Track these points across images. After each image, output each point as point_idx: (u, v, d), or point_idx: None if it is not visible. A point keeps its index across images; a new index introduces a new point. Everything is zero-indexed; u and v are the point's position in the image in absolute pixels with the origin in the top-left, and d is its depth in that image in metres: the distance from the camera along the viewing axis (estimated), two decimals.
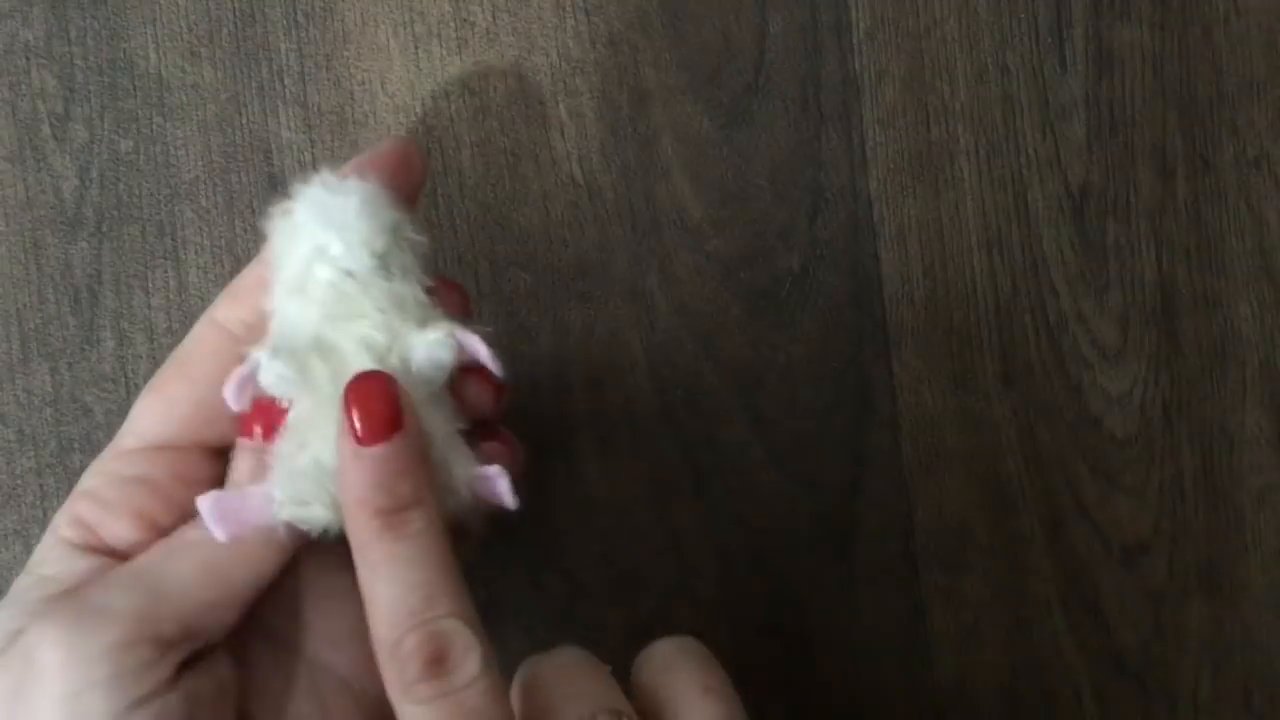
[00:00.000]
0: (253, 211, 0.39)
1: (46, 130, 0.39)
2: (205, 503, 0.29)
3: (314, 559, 0.31)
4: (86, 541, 0.30)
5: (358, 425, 0.28)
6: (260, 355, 0.29)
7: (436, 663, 0.27)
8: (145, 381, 0.38)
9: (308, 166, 0.39)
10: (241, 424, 0.30)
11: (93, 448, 0.38)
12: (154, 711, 0.28)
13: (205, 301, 0.38)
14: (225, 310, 0.31)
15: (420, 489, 0.28)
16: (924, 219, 0.39)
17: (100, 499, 0.30)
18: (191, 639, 0.29)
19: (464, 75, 0.39)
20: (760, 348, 0.39)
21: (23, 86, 0.39)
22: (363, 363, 0.29)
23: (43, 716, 0.27)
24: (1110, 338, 0.39)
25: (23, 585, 0.30)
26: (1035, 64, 0.39)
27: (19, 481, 0.38)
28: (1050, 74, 0.39)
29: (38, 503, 0.38)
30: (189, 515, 0.30)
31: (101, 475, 0.31)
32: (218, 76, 0.39)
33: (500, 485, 0.30)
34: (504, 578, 0.39)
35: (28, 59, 0.39)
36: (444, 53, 0.39)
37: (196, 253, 0.39)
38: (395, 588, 0.28)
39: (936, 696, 0.39)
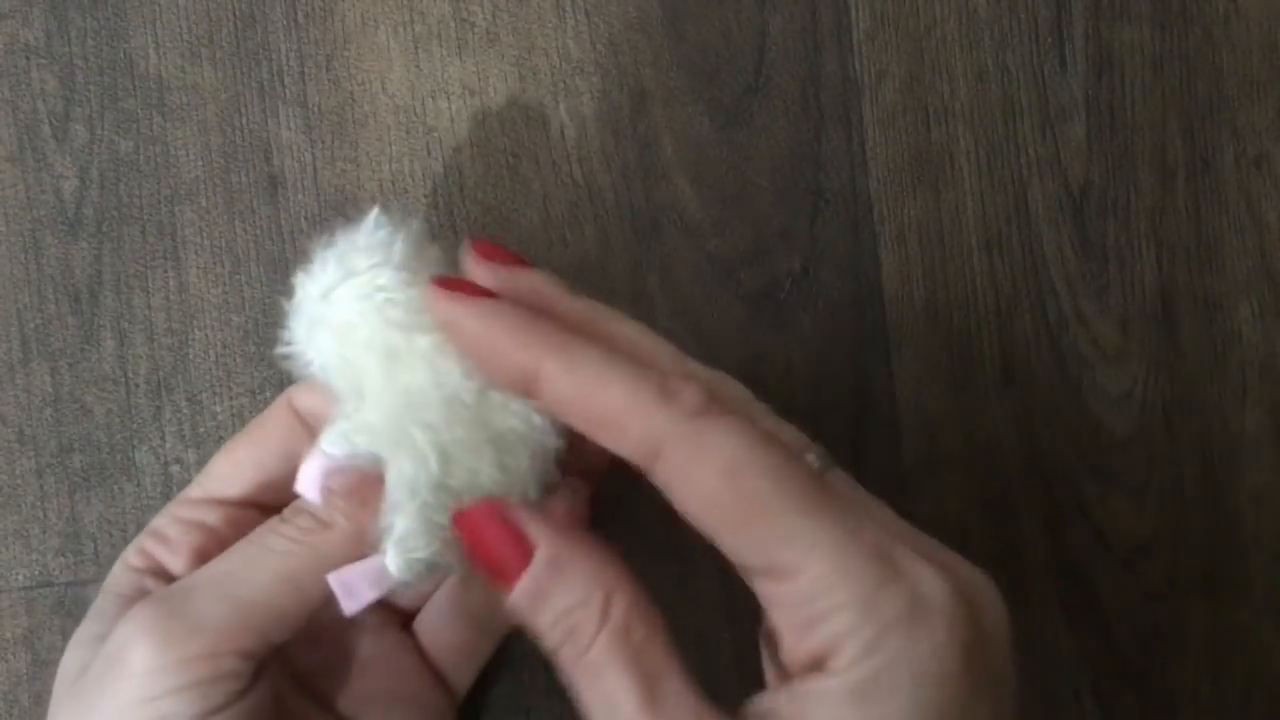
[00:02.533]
0: (253, 211, 0.39)
1: (46, 130, 0.39)
2: (335, 579, 0.30)
3: (361, 622, 0.33)
4: (150, 568, 0.33)
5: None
6: (324, 445, 0.30)
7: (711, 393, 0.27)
8: (145, 381, 0.38)
9: (308, 166, 0.39)
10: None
11: (93, 448, 0.38)
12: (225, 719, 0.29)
13: (205, 301, 0.38)
14: (302, 399, 0.33)
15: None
16: (924, 219, 0.39)
17: (164, 537, 0.33)
18: (266, 649, 0.30)
19: (464, 75, 0.39)
20: (760, 348, 0.39)
21: (23, 86, 0.39)
22: (442, 403, 0.29)
23: (120, 715, 0.29)
24: (1110, 338, 0.39)
25: (101, 605, 0.32)
26: (1035, 64, 0.39)
27: (19, 481, 0.38)
28: (1050, 74, 0.39)
29: (38, 503, 0.38)
30: None
31: (167, 517, 0.33)
32: (218, 76, 0.39)
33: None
34: None
35: (28, 59, 0.39)
36: (444, 53, 0.39)
37: (196, 253, 0.39)
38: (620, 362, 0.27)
39: None
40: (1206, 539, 0.39)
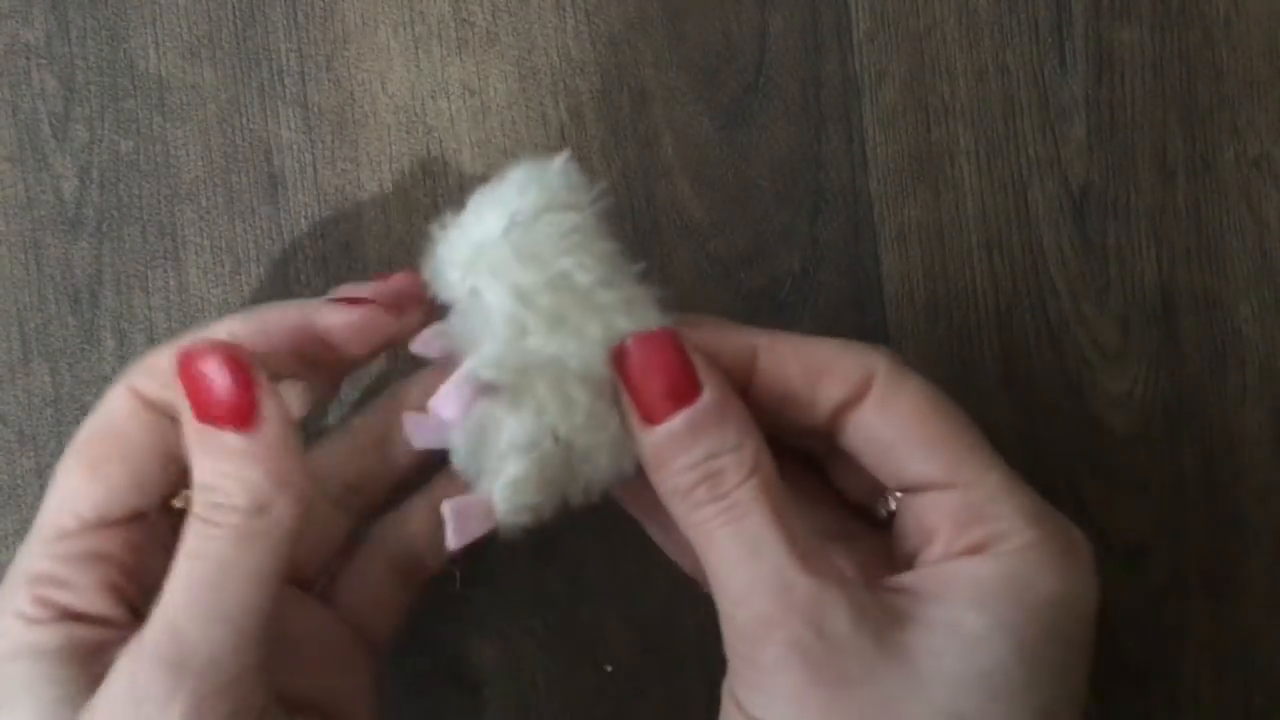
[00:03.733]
0: (253, 211, 0.39)
1: (46, 130, 0.39)
2: (450, 509, 0.29)
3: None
4: (57, 616, 0.29)
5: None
6: (471, 365, 0.29)
7: None
8: None
9: (308, 166, 0.39)
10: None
11: None
12: None
13: (205, 301, 0.38)
14: (145, 383, 0.31)
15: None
16: (924, 219, 0.39)
17: (63, 581, 0.30)
18: (264, 657, 0.29)
19: (464, 75, 0.39)
20: None
21: (23, 86, 0.39)
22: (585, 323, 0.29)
23: None
24: (1110, 338, 0.39)
25: (20, 672, 0.29)
26: (1035, 64, 0.39)
27: (19, 481, 0.38)
28: (1050, 74, 0.39)
29: (37, 503, 0.38)
30: (152, 580, 0.30)
31: (52, 559, 0.30)
32: (218, 76, 0.39)
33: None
34: (505, 577, 0.39)
35: (28, 59, 0.39)
36: (444, 53, 0.39)
37: (196, 253, 0.39)
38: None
39: None
40: (1207, 538, 0.39)
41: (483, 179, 0.39)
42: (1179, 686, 0.39)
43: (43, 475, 0.38)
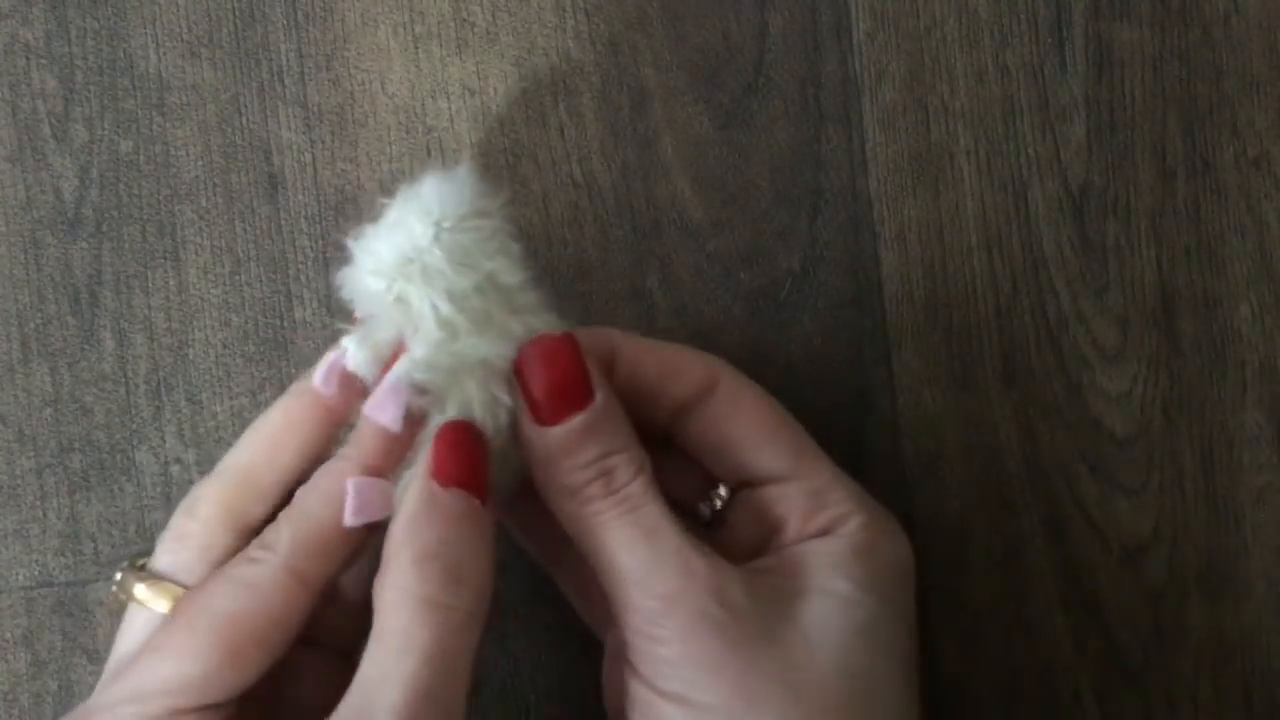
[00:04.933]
0: (253, 211, 0.39)
1: (46, 130, 0.39)
2: (352, 485, 0.30)
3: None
4: None
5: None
6: (404, 368, 0.30)
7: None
8: (145, 381, 0.38)
9: (308, 166, 0.39)
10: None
11: (93, 448, 0.38)
12: None
13: (205, 301, 0.38)
14: (312, 566, 0.30)
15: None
16: (924, 219, 0.39)
17: None
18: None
19: (464, 75, 0.39)
20: (760, 348, 0.39)
21: (23, 86, 0.39)
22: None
23: None
24: (1110, 338, 0.39)
25: None
26: (1035, 64, 0.39)
27: (19, 481, 0.38)
28: (1050, 74, 0.39)
29: (38, 503, 0.38)
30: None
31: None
32: (218, 76, 0.39)
33: None
34: (505, 577, 0.39)
35: (28, 59, 0.39)
36: (444, 53, 0.39)
37: (196, 253, 0.39)
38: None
39: (936, 696, 0.39)
40: (1206, 538, 0.39)
41: (481, 179, 0.39)
42: (1179, 686, 0.39)
43: (42, 475, 0.38)
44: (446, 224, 0.31)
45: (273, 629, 0.29)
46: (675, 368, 0.34)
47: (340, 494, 0.30)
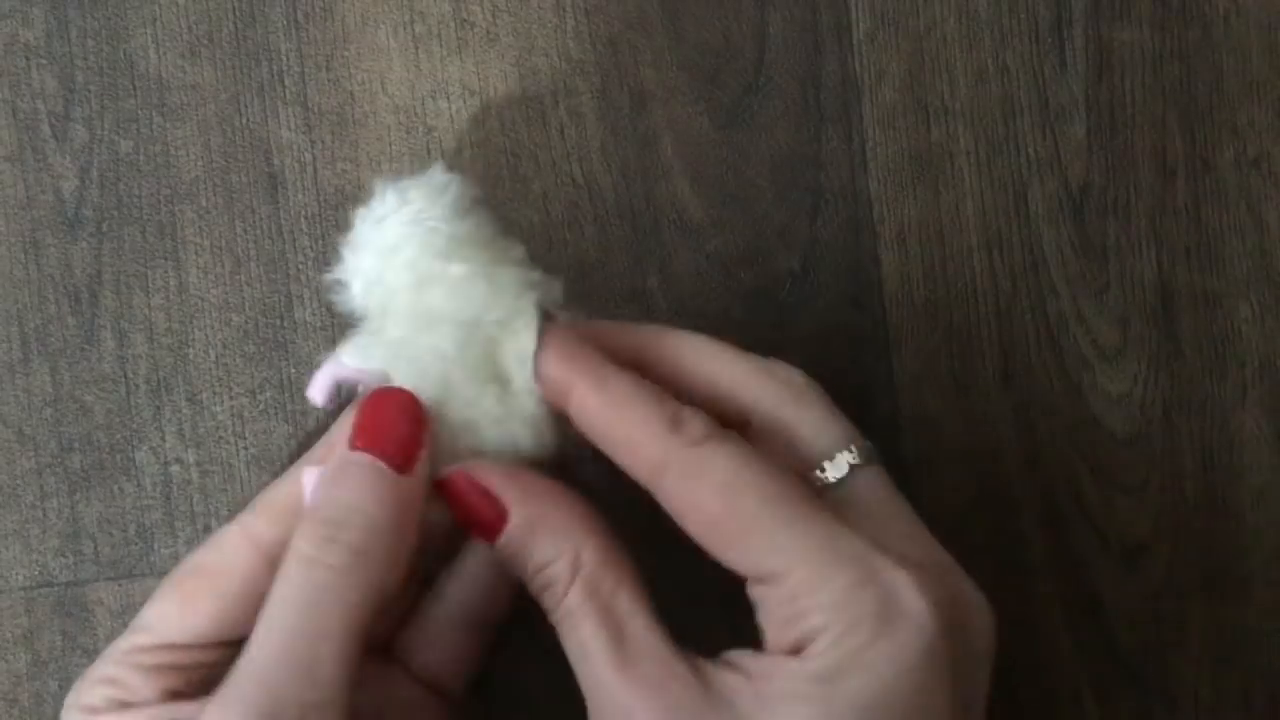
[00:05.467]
0: (253, 211, 0.39)
1: (46, 130, 0.39)
2: (309, 475, 0.31)
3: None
4: (114, 708, 0.31)
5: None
6: (340, 354, 0.32)
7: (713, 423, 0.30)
8: (145, 381, 0.38)
9: (308, 166, 0.39)
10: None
11: (93, 447, 0.38)
12: None
13: (205, 301, 0.38)
14: (262, 526, 0.31)
15: None
16: (924, 219, 0.39)
17: (124, 684, 0.31)
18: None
19: (464, 75, 0.39)
20: (760, 348, 0.39)
21: (23, 86, 0.39)
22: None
23: None
24: (1110, 338, 0.39)
25: None
26: (1035, 64, 0.39)
27: (19, 481, 0.38)
28: (1050, 74, 0.39)
29: (38, 503, 0.38)
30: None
31: (117, 665, 0.31)
32: (218, 76, 0.39)
33: None
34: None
35: (28, 59, 0.39)
36: (444, 53, 0.39)
37: (196, 253, 0.39)
38: (640, 385, 0.31)
39: None
40: (1206, 538, 0.39)
41: (483, 179, 0.39)
42: (1179, 686, 0.39)
43: (42, 475, 0.38)
44: (434, 221, 0.31)
45: (221, 577, 0.31)
46: (622, 442, 0.31)
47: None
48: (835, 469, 0.31)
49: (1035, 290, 0.39)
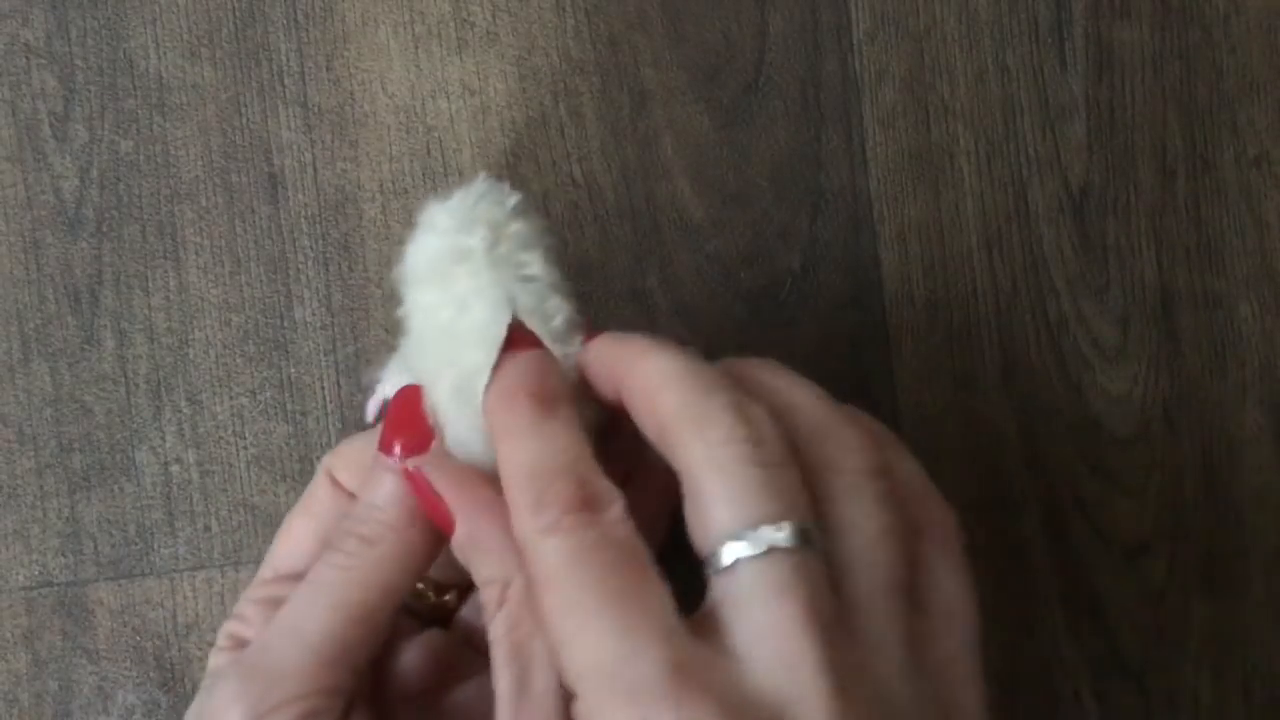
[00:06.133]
0: (252, 211, 0.39)
1: (46, 130, 0.39)
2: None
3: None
4: (235, 647, 0.33)
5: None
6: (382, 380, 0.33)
7: (585, 503, 0.27)
8: (145, 381, 0.38)
9: (308, 166, 0.39)
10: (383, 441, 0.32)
11: (93, 447, 0.38)
12: None
13: (205, 301, 0.38)
14: (339, 472, 0.34)
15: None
16: (924, 219, 0.39)
17: (244, 618, 0.33)
18: (349, 680, 0.31)
19: (464, 75, 0.39)
20: (760, 348, 0.39)
21: (23, 86, 0.39)
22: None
23: None
24: (1110, 338, 0.39)
25: (204, 686, 0.32)
26: (1035, 64, 0.39)
27: (19, 481, 0.38)
28: (1050, 74, 0.39)
29: (38, 503, 0.38)
30: None
31: (245, 601, 0.34)
32: (218, 76, 0.39)
33: None
34: None
35: (28, 59, 0.39)
36: (444, 53, 0.39)
37: (196, 253, 0.39)
38: (542, 449, 0.28)
39: None
40: (1206, 538, 0.39)
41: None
42: (1179, 686, 0.39)
43: (42, 475, 0.38)
44: (488, 232, 0.31)
45: (309, 510, 0.34)
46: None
47: None
48: (725, 556, 0.27)
49: (1035, 290, 0.39)
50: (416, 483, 0.31)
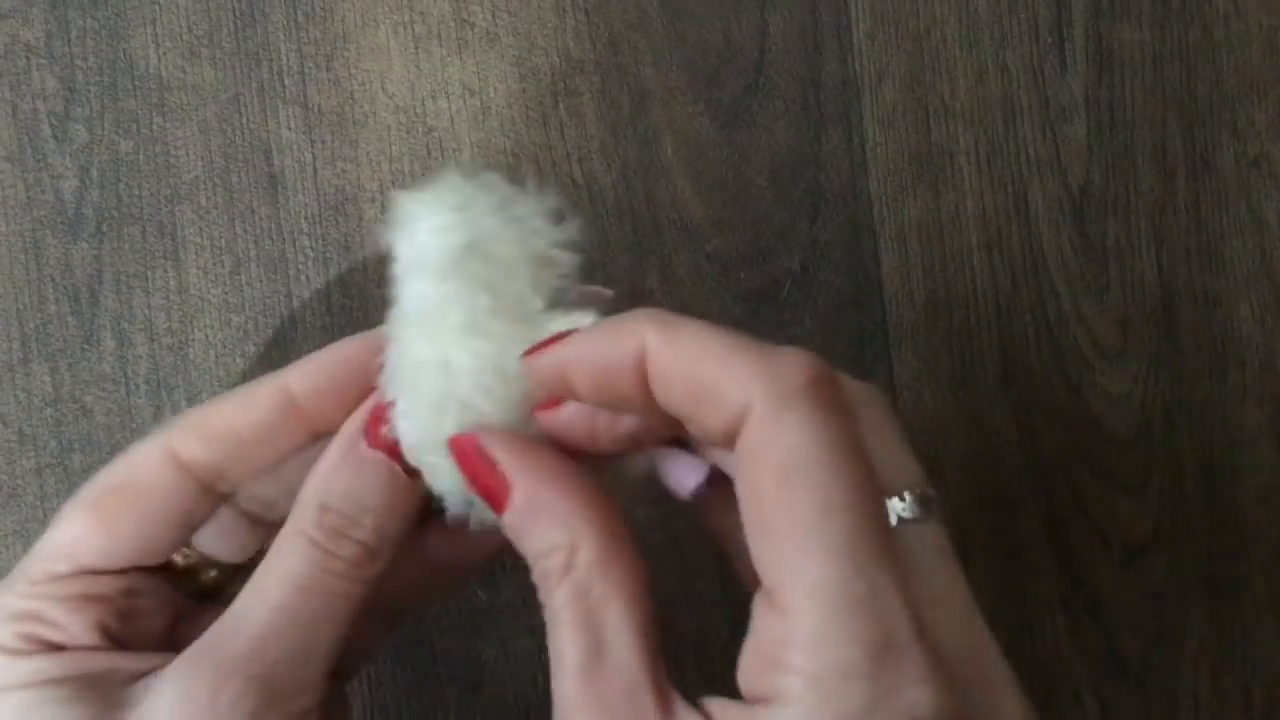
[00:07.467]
0: (252, 211, 0.39)
1: (46, 130, 0.39)
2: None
3: None
4: (43, 650, 0.29)
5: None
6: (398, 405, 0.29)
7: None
8: (145, 382, 0.38)
9: (308, 166, 0.39)
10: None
11: (93, 447, 0.38)
12: None
13: (205, 301, 0.38)
14: (195, 447, 0.30)
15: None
16: (924, 219, 0.39)
17: (50, 620, 0.29)
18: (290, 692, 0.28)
19: (464, 75, 0.39)
20: None
21: (23, 86, 0.39)
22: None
23: None
24: (1110, 338, 0.39)
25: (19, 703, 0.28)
26: (1035, 64, 0.39)
27: (19, 481, 0.38)
28: (1050, 74, 0.39)
29: (38, 503, 0.38)
30: (145, 623, 0.30)
31: (38, 599, 0.29)
32: (218, 76, 0.39)
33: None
34: (507, 577, 0.39)
35: (28, 59, 0.39)
36: (444, 53, 0.39)
37: (196, 253, 0.39)
38: None
39: None
40: (1207, 538, 0.39)
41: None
42: (1179, 686, 0.39)
43: (42, 475, 0.38)
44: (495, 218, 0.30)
45: (142, 497, 0.29)
46: (703, 387, 0.25)
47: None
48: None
49: (1035, 290, 0.39)
50: (465, 454, 0.28)
